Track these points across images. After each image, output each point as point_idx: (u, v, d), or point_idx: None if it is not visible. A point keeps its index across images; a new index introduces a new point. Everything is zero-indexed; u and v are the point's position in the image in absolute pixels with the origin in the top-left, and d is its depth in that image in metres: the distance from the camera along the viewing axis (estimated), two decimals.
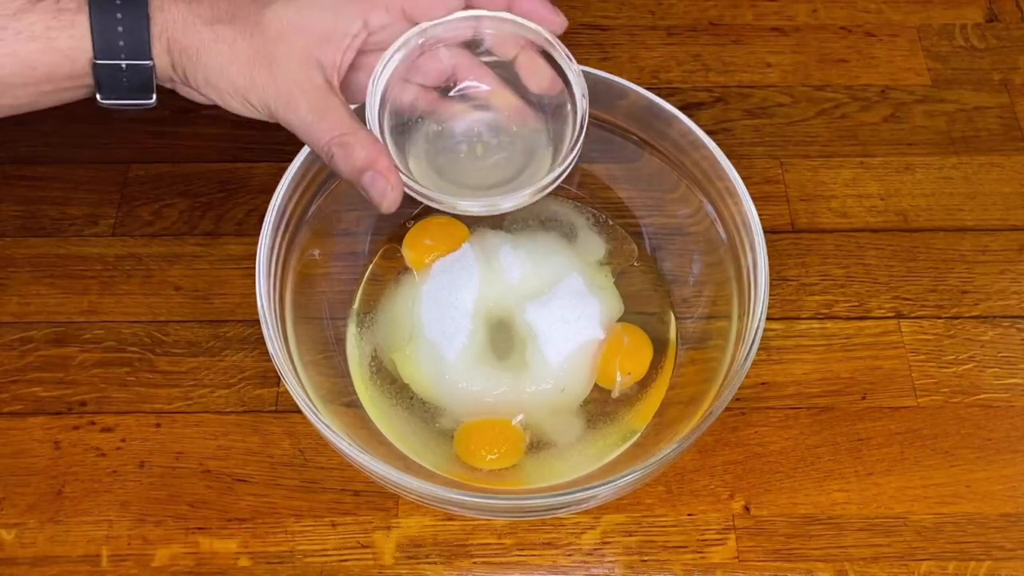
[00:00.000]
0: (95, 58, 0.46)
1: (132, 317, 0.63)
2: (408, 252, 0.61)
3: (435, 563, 0.56)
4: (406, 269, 0.62)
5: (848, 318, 0.64)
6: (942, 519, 0.58)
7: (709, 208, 0.57)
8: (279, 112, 0.48)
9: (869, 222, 0.68)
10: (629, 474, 0.49)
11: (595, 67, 0.57)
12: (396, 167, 0.49)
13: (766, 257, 0.53)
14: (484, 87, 0.54)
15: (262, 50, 0.47)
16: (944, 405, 0.61)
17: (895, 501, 0.58)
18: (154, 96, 0.48)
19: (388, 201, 0.48)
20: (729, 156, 0.55)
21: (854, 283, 0.65)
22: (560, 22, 0.51)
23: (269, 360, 0.52)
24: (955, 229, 0.67)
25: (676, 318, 0.61)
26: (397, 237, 0.62)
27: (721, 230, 0.57)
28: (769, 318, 0.62)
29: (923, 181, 0.69)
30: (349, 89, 0.51)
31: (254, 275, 0.52)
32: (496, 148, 0.54)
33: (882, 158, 0.70)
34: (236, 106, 0.49)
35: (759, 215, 0.53)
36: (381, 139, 0.50)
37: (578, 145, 0.50)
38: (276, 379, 0.61)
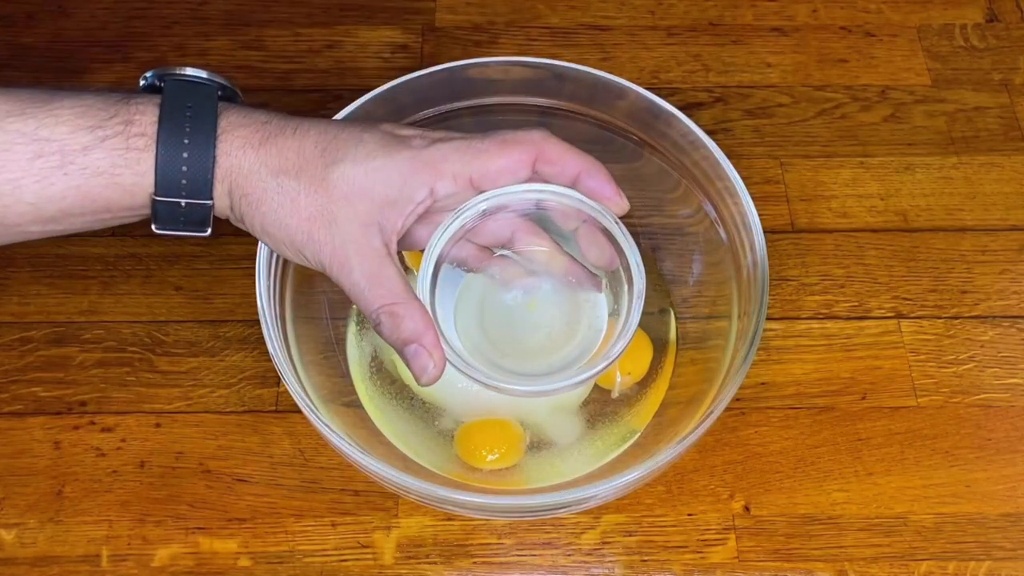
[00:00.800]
0: (155, 194, 0.46)
1: (132, 317, 0.63)
2: (408, 252, 0.61)
3: (435, 563, 0.56)
4: (406, 269, 0.62)
5: (848, 318, 0.64)
6: (942, 519, 0.58)
7: (709, 208, 0.57)
8: (331, 271, 0.47)
9: (869, 222, 0.68)
10: (629, 474, 0.49)
11: (595, 67, 0.57)
12: (441, 344, 0.48)
13: (766, 257, 0.53)
14: (540, 249, 0.54)
15: (324, 209, 0.46)
16: (944, 405, 0.61)
17: (895, 501, 0.58)
18: (209, 230, 0.48)
19: (428, 378, 0.48)
20: (729, 156, 0.55)
21: (854, 283, 0.65)
22: (624, 206, 0.51)
23: (269, 360, 0.52)
24: (955, 229, 0.67)
25: (676, 318, 0.61)
26: None
27: (721, 230, 0.57)
28: (769, 318, 0.63)
29: (923, 181, 0.69)
30: (408, 240, 0.51)
31: (254, 275, 0.52)
32: (547, 309, 0.54)
33: (882, 158, 0.70)
34: (289, 255, 0.48)
35: (759, 215, 0.53)
36: (431, 307, 0.50)
37: (634, 326, 0.50)
38: (276, 379, 0.61)
